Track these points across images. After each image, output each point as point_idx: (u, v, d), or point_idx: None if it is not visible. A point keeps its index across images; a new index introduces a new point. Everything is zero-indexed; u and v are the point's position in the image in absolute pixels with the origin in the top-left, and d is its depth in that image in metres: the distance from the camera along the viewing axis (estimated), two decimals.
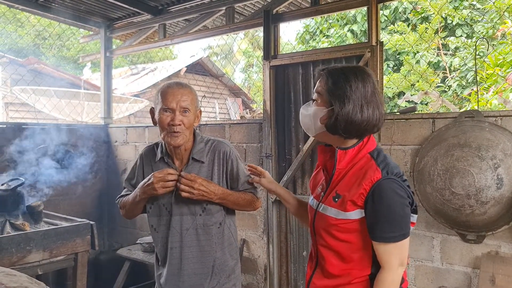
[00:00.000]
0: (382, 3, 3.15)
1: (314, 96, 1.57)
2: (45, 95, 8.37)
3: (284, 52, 3.72)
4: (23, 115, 9.29)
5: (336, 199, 1.51)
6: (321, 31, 11.74)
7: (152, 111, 2.02)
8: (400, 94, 9.54)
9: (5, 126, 4.34)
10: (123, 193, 2.20)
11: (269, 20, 3.60)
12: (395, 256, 1.45)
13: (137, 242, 4.21)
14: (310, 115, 1.57)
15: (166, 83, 2.00)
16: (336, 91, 1.48)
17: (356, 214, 1.47)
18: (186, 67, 12.33)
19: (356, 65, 1.59)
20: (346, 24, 10.86)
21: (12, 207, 3.37)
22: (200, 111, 2.05)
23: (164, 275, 2.06)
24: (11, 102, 9.56)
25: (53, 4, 4.55)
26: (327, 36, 11.47)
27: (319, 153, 1.66)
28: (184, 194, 1.89)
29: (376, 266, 1.51)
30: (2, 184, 3.45)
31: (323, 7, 3.42)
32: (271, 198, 3.58)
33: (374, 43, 3.07)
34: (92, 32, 5.29)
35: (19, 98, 8.67)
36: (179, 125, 1.91)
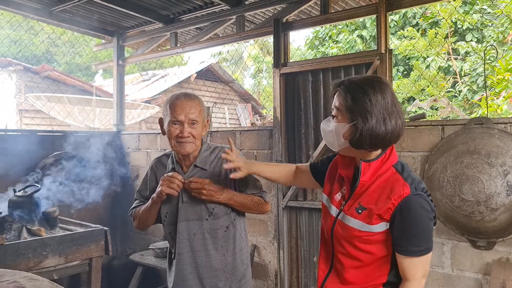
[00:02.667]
0: (391, 11, 3.19)
1: (334, 112, 1.55)
2: (59, 102, 8.51)
3: (294, 58, 3.77)
4: (38, 122, 9.44)
5: (360, 211, 1.52)
6: (330, 37, 11.78)
7: (161, 121, 2.06)
8: (410, 99, 9.53)
9: (20, 133, 4.44)
10: (134, 204, 2.24)
11: (279, 29, 3.66)
12: (420, 268, 1.48)
13: (149, 247, 4.27)
14: (332, 131, 1.55)
15: (174, 94, 2.04)
16: (357, 107, 1.46)
17: (380, 227, 1.49)
18: (196, 73, 12.43)
19: (372, 76, 1.57)
20: (355, 29, 10.89)
21: (28, 212, 3.45)
22: (208, 121, 2.11)
23: (174, 280, 2.10)
24: (26, 109, 9.72)
25: (67, 14, 4.65)
26: (337, 42, 11.51)
27: (340, 167, 1.66)
28: (193, 194, 1.97)
29: (392, 275, 1.54)
30: (19, 190, 3.53)
31: (333, 15, 3.46)
32: (282, 204, 3.62)
33: (383, 51, 3.11)
34: (105, 41, 5.39)
35: (33, 106, 8.82)
36: (188, 137, 1.97)
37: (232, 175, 1.92)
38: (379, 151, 1.54)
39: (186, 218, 2.04)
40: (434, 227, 1.53)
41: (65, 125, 9.35)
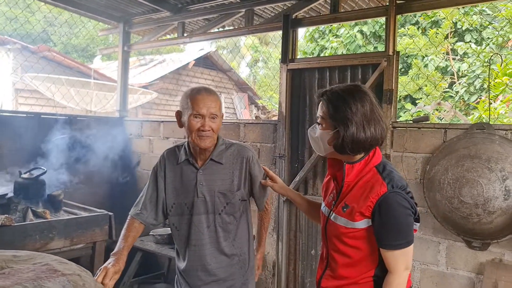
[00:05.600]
0: (400, 14, 3.25)
1: (319, 120, 1.69)
2: (56, 83, 8.47)
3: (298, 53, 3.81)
4: (33, 102, 9.39)
5: (345, 209, 1.65)
6: (330, 31, 11.81)
7: (178, 114, 2.11)
8: (407, 97, 9.65)
9: (24, 115, 4.46)
10: (133, 211, 2.24)
11: (288, 25, 3.70)
12: (401, 261, 1.59)
13: (149, 233, 4.34)
14: (318, 138, 1.70)
15: (195, 88, 2.08)
16: (338, 115, 1.60)
17: (363, 223, 1.61)
18: (194, 60, 12.40)
19: (352, 84, 1.70)
20: (356, 24, 10.93)
21: (34, 195, 3.51)
22: (223, 115, 2.16)
23: (186, 269, 2.18)
24: (21, 88, 9.66)
25: None
26: (337, 36, 11.54)
27: (329, 166, 1.79)
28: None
29: (379, 268, 1.65)
30: (25, 173, 3.58)
31: (342, 15, 3.52)
32: (283, 198, 3.70)
33: (391, 53, 3.18)
34: (111, 26, 5.39)
35: (29, 85, 8.77)
36: (209, 130, 2.02)
37: (266, 183, 2.15)
38: (362, 154, 1.66)
39: (201, 212, 2.11)
40: (418, 223, 1.66)
41: (60, 107, 9.32)
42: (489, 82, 3.03)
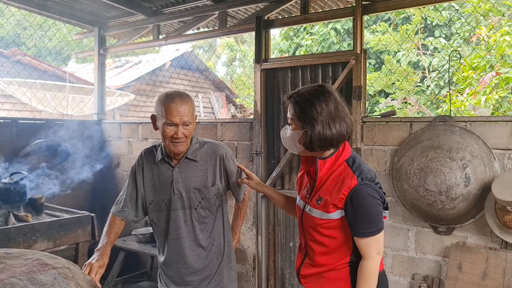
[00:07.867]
0: (367, 15, 3.41)
1: (289, 121, 1.81)
2: (32, 87, 8.40)
3: (272, 51, 3.94)
4: (9, 107, 9.28)
5: (319, 202, 1.79)
6: (304, 28, 12.01)
7: (153, 118, 2.19)
8: (381, 92, 9.92)
9: (2, 121, 4.48)
10: (113, 209, 2.33)
11: (261, 26, 3.84)
12: (373, 247, 1.73)
13: (131, 233, 4.41)
14: (289, 138, 1.82)
15: (169, 95, 2.13)
16: (305, 116, 1.72)
17: (336, 214, 1.75)
18: (170, 61, 12.42)
19: (317, 85, 1.81)
20: (329, 22, 11.14)
21: (14, 199, 3.55)
22: (196, 116, 2.26)
23: (166, 262, 2.30)
24: None
25: (49, 2, 4.67)
26: (311, 34, 11.75)
27: (302, 162, 1.92)
28: None
29: (354, 254, 1.80)
30: (5, 177, 3.62)
31: (312, 15, 3.67)
32: (261, 194, 3.83)
33: (358, 51, 3.34)
34: (86, 30, 5.42)
35: (5, 91, 8.68)
36: (182, 137, 2.12)
37: (243, 181, 2.26)
38: (332, 150, 1.80)
39: (178, 207, 2.23)
40: (387, 211, 1.81)
41: (38, 111, 9.24)
42: (450, 78, 3.21)
